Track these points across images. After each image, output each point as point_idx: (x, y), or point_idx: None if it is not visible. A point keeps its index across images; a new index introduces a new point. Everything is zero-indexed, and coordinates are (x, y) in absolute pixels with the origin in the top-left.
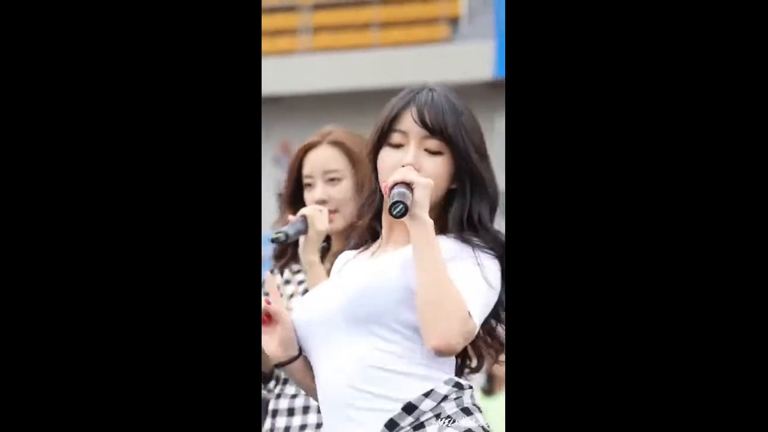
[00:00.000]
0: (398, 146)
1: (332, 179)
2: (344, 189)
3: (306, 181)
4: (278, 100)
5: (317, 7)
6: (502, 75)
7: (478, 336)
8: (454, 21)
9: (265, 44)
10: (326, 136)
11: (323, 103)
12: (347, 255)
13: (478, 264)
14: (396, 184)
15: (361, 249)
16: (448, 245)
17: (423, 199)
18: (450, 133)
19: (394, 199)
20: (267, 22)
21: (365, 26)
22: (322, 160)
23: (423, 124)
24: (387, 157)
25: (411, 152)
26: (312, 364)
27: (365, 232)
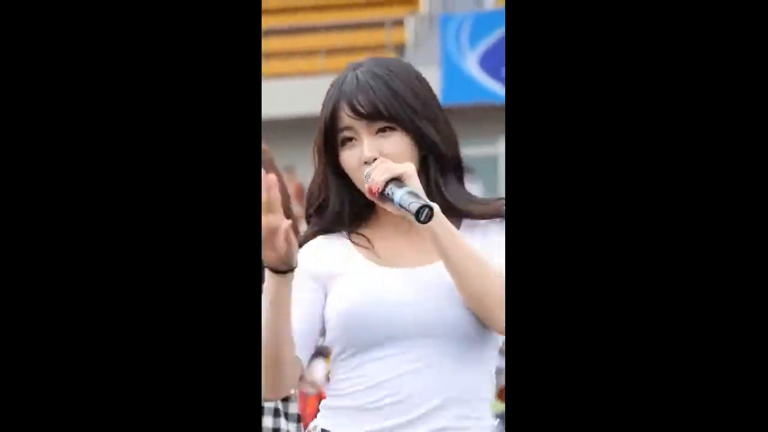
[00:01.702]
0: (352, 141)
1: None
2: None
3: None
4: None
5: (264, 34)
6: (449, 101)
7: None
8: (400, 48)
9: None
10: None
11: (271, 129)
12: (324, 242)
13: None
14: (386, 184)
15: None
16: (474, 225)
17: (417, 186)
18: (388, 110)
19: (415, 207)
20: None
21: (313, 53)
22: None
23: (359, 114)
24: (347, 157)
25: (366, 145)
26: (367, 356)
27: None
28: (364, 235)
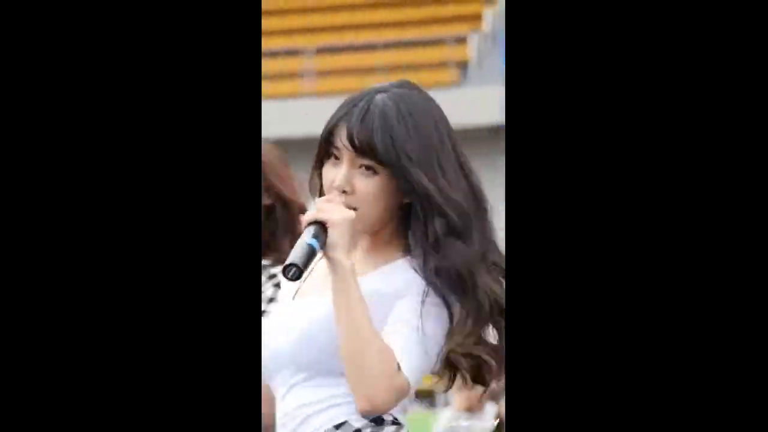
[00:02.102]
0: (336, 159)
1: None
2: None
3: None
4: (280, 143)
5: (320, 51)
6: None
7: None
8: (462, 65)
9: (268, 87)
10: None
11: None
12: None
13: (422, 302)
14: (309, 224)
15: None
16: (398, 276)
17: (339, 238)
18: (381, 153)
19: (288, 261)
20: (270, 65)
21: (370, 70)
22: None
23: (351, 144)
24: (326, 171)
25: (342, 172)
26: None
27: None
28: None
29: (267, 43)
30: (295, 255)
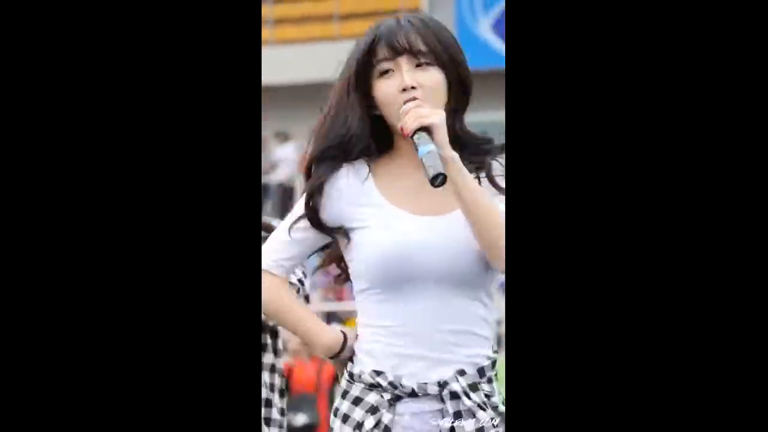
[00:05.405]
0: (389, 73)
1: None
2: None
3: None
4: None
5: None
6: None
7: None
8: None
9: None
10: None
11: (292, 95)
12: (347, 182)
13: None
14: (415, 132)
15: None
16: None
17: (444, 136)
18: (427, 45)
19: (432, 172)
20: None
21: (328, 18)
22: None
23: (397, 51)
24: (385, 87)
25: (405, 73)
26: (388, 295)
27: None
28: (384, 173)
29: None
30: (436, 165)
